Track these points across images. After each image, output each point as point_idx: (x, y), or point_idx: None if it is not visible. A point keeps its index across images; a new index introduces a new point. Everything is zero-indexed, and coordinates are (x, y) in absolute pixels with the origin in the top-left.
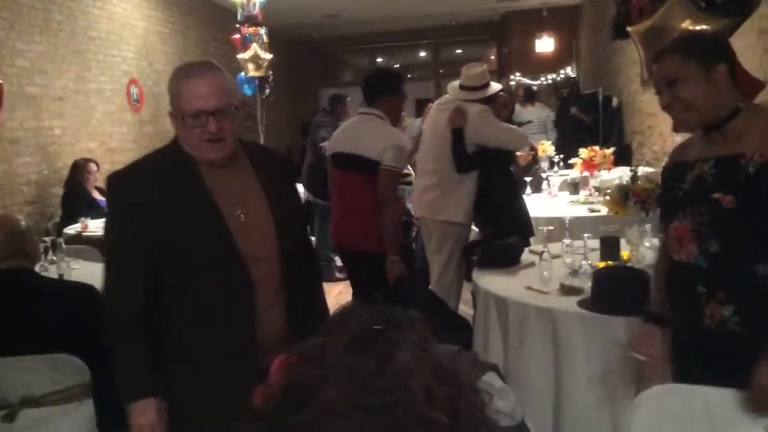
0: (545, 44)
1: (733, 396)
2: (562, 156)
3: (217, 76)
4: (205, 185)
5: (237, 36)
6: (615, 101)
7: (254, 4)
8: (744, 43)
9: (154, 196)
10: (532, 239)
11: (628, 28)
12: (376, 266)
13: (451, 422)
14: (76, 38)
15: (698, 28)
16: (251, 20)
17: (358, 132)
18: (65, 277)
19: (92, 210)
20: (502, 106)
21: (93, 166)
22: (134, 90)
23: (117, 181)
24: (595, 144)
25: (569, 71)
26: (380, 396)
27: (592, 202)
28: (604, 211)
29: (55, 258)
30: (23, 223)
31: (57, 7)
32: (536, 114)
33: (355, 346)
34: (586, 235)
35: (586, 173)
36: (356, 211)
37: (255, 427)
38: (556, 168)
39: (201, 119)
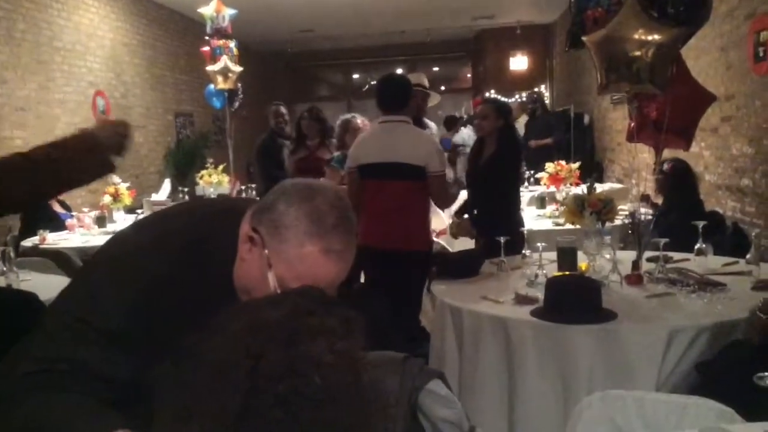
0: (519, 62)
1: (664, 399)
2: (531, 172)
3: (352, 258)
4: None
5: (206, 48)
6: (586, 118)
7: (224, 16)
8: (706, 61)
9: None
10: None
11: (583, 38)
12: (416, 264)
13: (322, 384)
14: (40, 48)
15: (650, 38)
16: (220, 33)
17: (396, 141)
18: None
19: (52, 222)
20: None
21: None
22: (100, 102)
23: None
24: (566, 160)
25: (542, 89)
26: (264, 341)
27: (558, 216)
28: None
29: (4, 269)
30: None
31: (21, 16)
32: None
33: (271, 302)
34: (541, 244)
35: (552, 188)
36: (396, 213)
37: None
38: (526, 183)
39: None
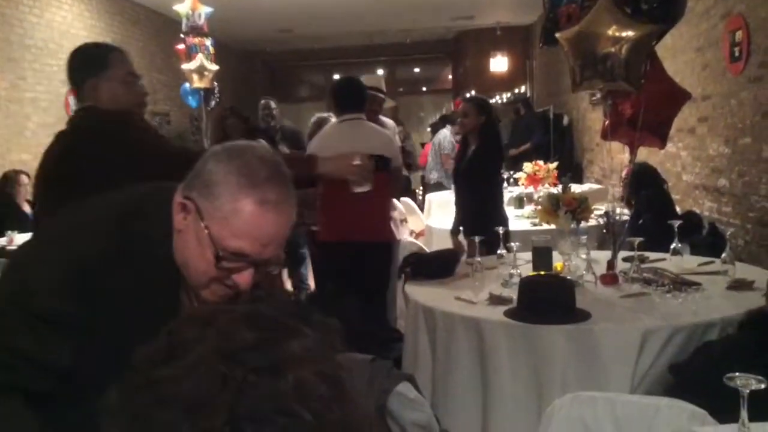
0: (499, 63)
1: (635, 401)
2: (511, 172)
3: (291, 212)
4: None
5: (181, 46)
6: (566, 119)
7: (200, 14)
8: (683, 60)
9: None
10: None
11: (557, 35)
12: (384, 253)
13: (315, 422)
14: (11, 46)
15: (624, 34)
16: (196, 30)
17: (358, 135)
18: None
19: (21, 223)
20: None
21: (24, 178)
22: (73, 101)
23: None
24: (544, 160)
25: (523, 90)
26: (245, 371)
27: (535, 216)
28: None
29: None
30: None
31: None
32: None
33: (247, 320)
34: (516, 244)
35: (531, 188)
36: (360, 203)
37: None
38: (505, 184)
39: (237, 263)
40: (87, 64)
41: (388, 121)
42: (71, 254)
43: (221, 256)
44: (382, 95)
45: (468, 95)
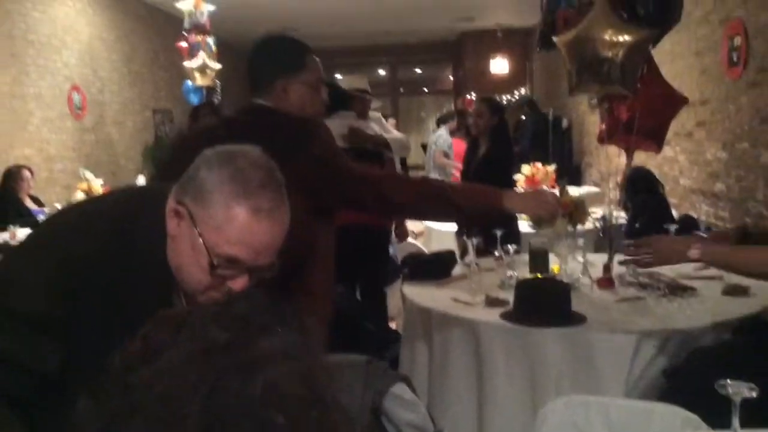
0: (500, 65)
1: (629, 405)
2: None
3: (285, 219)
4: None
5: (184, 44)
6: (565, 122)
7: (202, 12)
8: (681, 65)
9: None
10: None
11: (554, 38)
12: (374, 238)
13: (287, 423)
14: (14, 41)
15: (620, 38)
16: (198, 28)
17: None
18: None
19: (23, 218)
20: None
21: (27, 173)
22: (76, 97)
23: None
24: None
25: (523, 92)
26: (216, 373)
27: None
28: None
29: None
30: None
31: None
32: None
33: (218, 321)
34: (512, 246)
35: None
36: None
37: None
38: None
39: (231, 270)
40: (283, 61)
41: (373, 114)
42: (60, 255)
43: (216, 264)
44: (368, 96)
45: (468, 97)
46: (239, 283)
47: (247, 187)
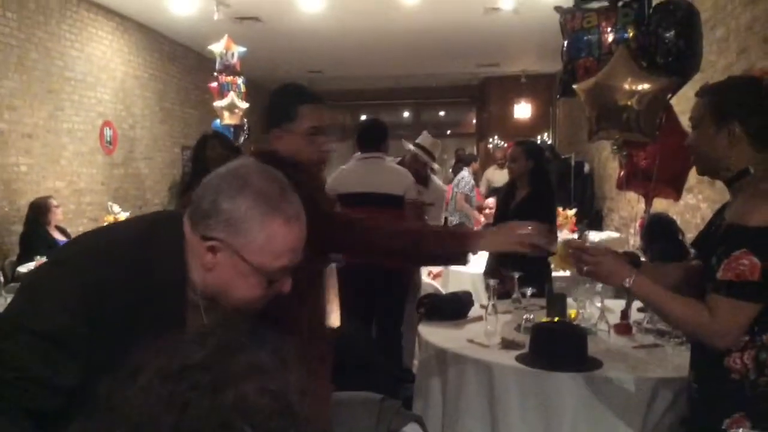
0: (523, 110)
1: None
2: None
3: (303, 212)
4: None
5: (214, 84)
6: (587, 167)
7: (233, 53)
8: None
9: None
10: None
11: (574, 86)
12: (393, 284)
13: None
14: (51, 77)
15: (639, 87)
16: (229, 69)
17: (376, 173)
18: None
19: (50, 249)
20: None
21: (54, 204)
22: (108, 132)
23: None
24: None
25: (545, 137)
26: (189, 389)
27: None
28: (568, 271)
29: None
30: None
31: (34, 45)
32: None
33: (196, 340)
34: (529, 290)
35: None
36: None
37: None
38: None
39: (281, 276)
40: (275, 112)
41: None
42: (85, 278)
43: (271, 279)
44: (426, 158)
45: (491, 140)
46: (287, 284)
47: (271, 202)
